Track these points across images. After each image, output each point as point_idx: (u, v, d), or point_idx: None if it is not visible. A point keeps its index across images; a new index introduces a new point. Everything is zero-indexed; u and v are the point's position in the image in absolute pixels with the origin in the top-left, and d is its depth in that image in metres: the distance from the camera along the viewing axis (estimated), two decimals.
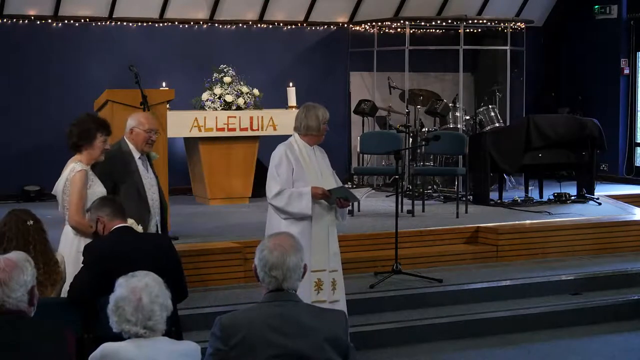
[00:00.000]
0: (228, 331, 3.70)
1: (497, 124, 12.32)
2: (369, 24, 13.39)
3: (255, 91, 11.33)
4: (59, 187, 6.13)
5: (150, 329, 3.70)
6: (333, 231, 6.78)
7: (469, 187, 11.34)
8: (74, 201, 6.00)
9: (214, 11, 12.76)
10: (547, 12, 14.83)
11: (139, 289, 3.70)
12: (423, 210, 10.68)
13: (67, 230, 6.09)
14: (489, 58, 13.83)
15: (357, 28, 13.61)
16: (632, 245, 9.97)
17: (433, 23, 13.50)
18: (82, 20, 12.12)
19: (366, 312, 7.76)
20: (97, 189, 6.10)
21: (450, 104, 12.55)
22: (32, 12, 11.90)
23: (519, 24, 13.42)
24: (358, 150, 11.82)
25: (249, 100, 11.21)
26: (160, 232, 6.63)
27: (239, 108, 11.17)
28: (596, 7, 14.32)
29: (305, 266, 3.86)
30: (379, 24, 13.31)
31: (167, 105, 9.59)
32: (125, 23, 12.36)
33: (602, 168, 13.83)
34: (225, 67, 11.27)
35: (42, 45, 11.96)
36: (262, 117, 11.23)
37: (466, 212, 10.55)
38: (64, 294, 5.48)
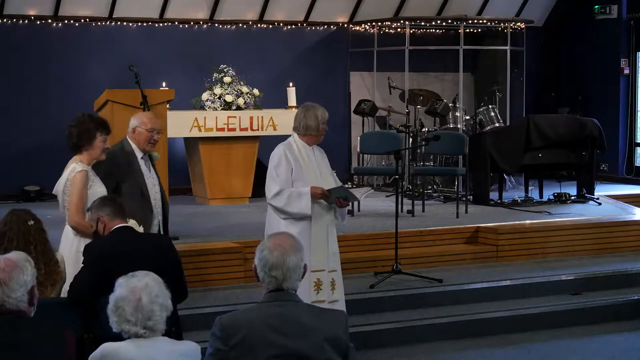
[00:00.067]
0: (228, 331, 3.70)
1: (497, 124, 12.32)
2: (369, 24, 13.39)
3: (255, 91, 11.33)
4: (59, 187, 6.13)
5: (150, 329, 3.70)
6: (332, 231, 6.78)
7: (469, 187, 11.35)
8: (73, 201, 6.00)
9: (214, 11, 12.76)
10: (547, 12, 14.84)
11: (138, 289, 3.70)
12: (423, 210, 10.68)
13: (67, 230, 6.10)
14: (489, 58, 13.83)
15: (357, 28, 13.61)
16: (632, 245, 9.97)
17: (433, 23, 13.50)
18: (82, 20, 12.12)
19: (366, 312, 7.76)
20: (98, 190, 6.10)
21: (450, 104, 12.56)
22: (32, 12, 11.90)
23: (519, 24, 13.43)
24: (358, 150, 11.82)
25: (249, 100, 11.21)
26: (162, 231, 6.64)
27: (239, 108, 11.17)
28: (596, 7, 14.32)
29: (305, 266, 3.86)
30: (379, 24, 13.31)
31: (167, 105, 9.60)
32: (125, 23, 12.36)
33: (602, 168, 13.83)
34: (225, 67, 11.27)
35: (42, 45, 11.96)
36: (262, 117, 11.23)
37: (466, 212, 10.55)
38: (64, 294, 5.48)
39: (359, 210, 10.43)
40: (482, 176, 11.31)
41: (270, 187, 6.63)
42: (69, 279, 5.50)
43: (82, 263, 5.39)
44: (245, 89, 11.23)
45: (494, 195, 11.41)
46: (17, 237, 5.33)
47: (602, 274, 9.02)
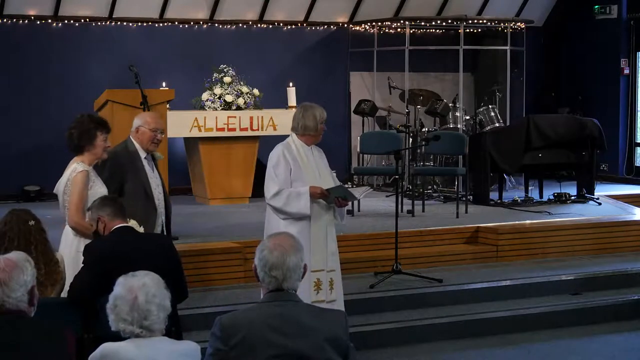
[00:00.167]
0: (228, 331, 3.70)
1: (497, 124, 12.32)
2: (369, 24, 13.39)
3: (255, 91, 11.33)
4: (60, 187, 6.13)
5: (147, 329, 3.69)
6: (331, 231, 6.78)
7: (469, 187, 11.34)
8: (74, 201, 6.00)
9: (214, 11, 12.76)
10: (547, 12, 14.84)
11: (135, 288, 3.70)
12: (423, 210, 10.68)
13: (67, 230, 6.09)
14: (489, 58, 13.83)
15: (357, 28, 13.61)
16: (632, 245, 9.97)
17: (433, 23, 13.50)
18: (82, 20, 12.12)
19: (366, 312, 7.76)
20: (99, 190, 6.10)
21: (450, 104, 12.55)
22: (32, 12, 11.90)
23: (519, 24, 13.42)
24: (358, 150, 11.81)
25: (249, 100, 11.21)
26: (165, 231, 6.64)
27: (239, 108, 11.17)
28: (596, 7, 14.32)
29: (305, 266, 3.86)
30: (379, 24, 13.31)
31: (167, 105, 9.61)
32: (125, 23, 12.36)
33: (602, 168, 13.83)
34: (225, 67, 11.27)
35: (42, 45, 11.96)
36: (262, 117, 11.23)
37: (466, 212, 10.55)
38: (64, 294, 5.48)
39: (359, 210, 10.43)
40: (482, 176, 11.31)
41: (269, 187, 6.62)
42: (69, 279, 5.50)
43: (82, 263, 5.39)
44: (245, 89, 11.23)
45: (494, 195, 11.41)
46: (17, 237, 5.33)
47: (602, 274, 9.02)
